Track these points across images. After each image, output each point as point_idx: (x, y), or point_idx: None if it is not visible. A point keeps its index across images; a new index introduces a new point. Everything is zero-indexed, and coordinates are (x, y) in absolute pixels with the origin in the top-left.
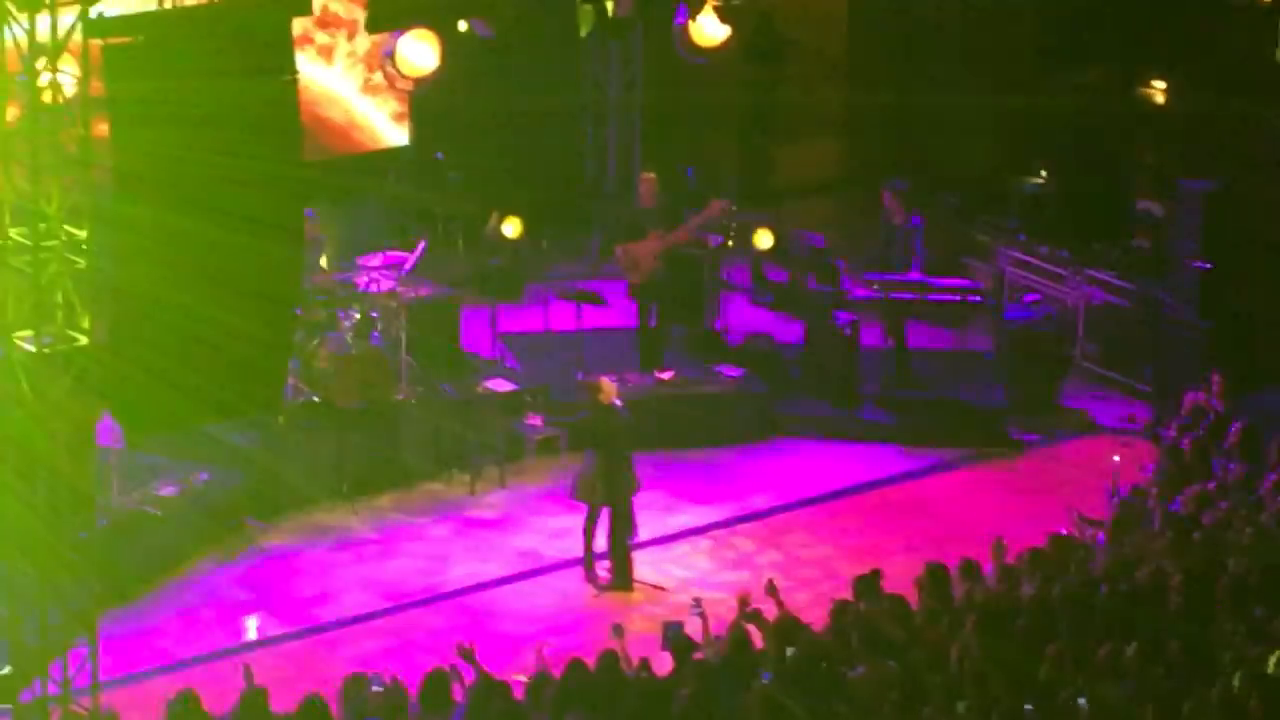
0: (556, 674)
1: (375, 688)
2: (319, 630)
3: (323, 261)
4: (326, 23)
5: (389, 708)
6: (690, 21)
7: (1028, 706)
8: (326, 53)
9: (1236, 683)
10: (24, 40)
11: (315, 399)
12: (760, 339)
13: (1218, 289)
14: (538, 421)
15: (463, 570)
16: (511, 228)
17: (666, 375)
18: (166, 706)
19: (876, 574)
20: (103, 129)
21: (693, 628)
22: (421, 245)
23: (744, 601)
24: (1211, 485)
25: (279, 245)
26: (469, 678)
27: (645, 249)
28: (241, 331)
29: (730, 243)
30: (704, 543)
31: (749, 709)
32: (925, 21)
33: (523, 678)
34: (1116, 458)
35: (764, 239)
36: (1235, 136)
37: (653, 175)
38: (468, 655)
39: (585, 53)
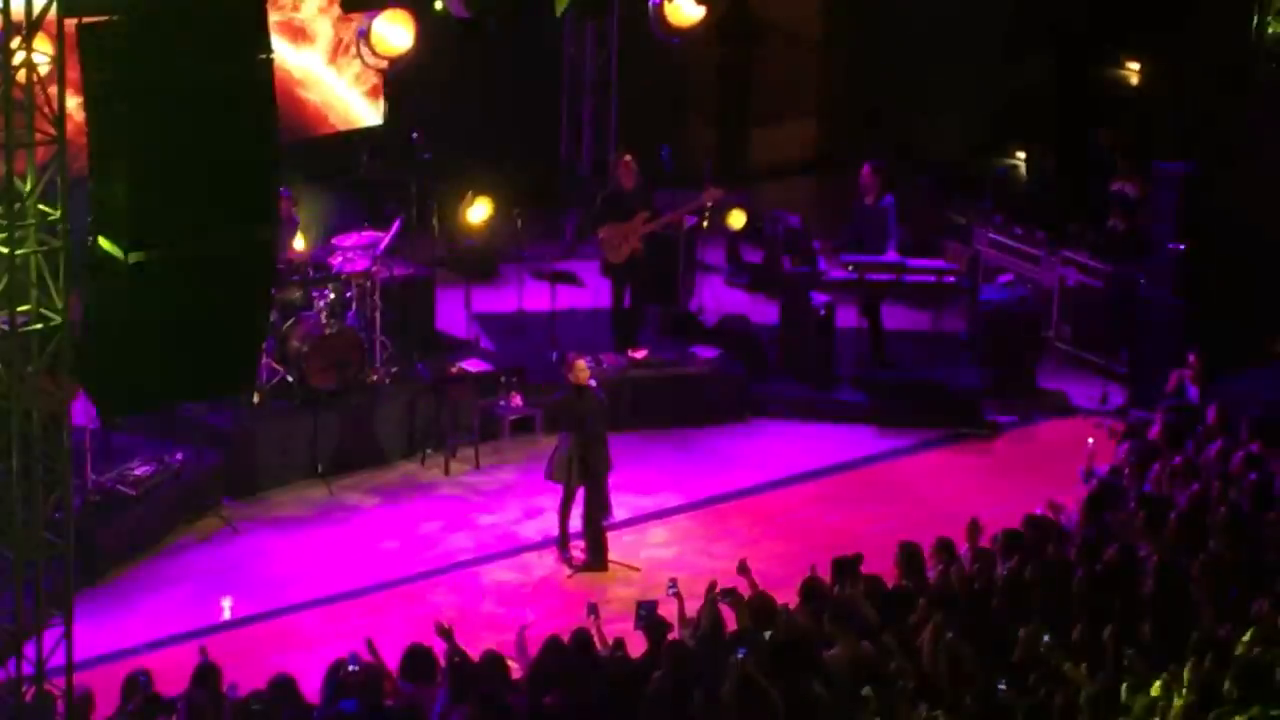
0: (533, 653)
1: (352, 667)
2: (294, 610)
3: (298, 242)
4: (301, 2)
5: (367, 686)
6: (666, 2)
7: (1001, 686)
8: (301, 32)
9: (1208, 663)
10: None
11: (290, 379)
12: (736, 320)
13: (1193, 270)
14: (513, 402)
15: (438, 550)
16: (481, 209)
17: (640, 354)
18: (123, 688)
19: (857, 558)
20: (78, 107)
21: (668, 608)
22: (396, 225)
23: (712, 586)
24: (1177, 462)
25: (253, 223)
26: (444, 659)
27: (630, 230)
28: (216, 310)
29: (705, 224)
30: (679, 523)
31: (724, 684)
32: (900, 2)
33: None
34: (1090, 440)
35: (739, 220)
36: (1211, 117)
37: (630, 156)
38: (446, 634)
39: (561, 33)
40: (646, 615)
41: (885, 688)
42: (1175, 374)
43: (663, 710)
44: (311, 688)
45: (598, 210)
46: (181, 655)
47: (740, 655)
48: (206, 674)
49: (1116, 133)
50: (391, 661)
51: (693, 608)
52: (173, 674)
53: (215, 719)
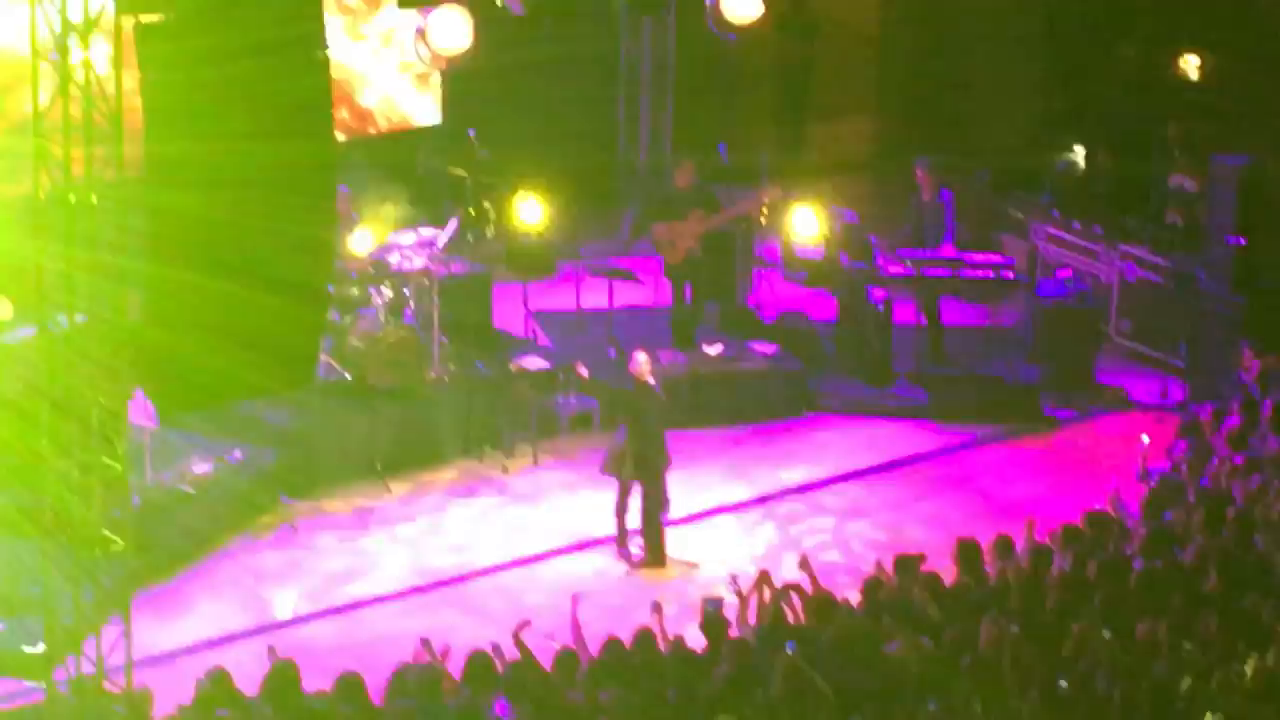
0: (593, 652)
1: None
2: (353, 608)
3: (363, 240)
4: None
5: (426, 687)
6: None
7: (1062, 683)
8: (359, 30)
9: (1271, 660)
10: (56, 18)
11: (348, 377)
12: (794, 316)
13: (1252, 264)
14: (572, 394)
15: (496, 548)
16: (537, 207)
17: (714, 350)
18: (196, 685)
19: (919, 557)
20: (135, 106)
21: (729, 605)
22: (454, 223)
23: (763, 577)
24: (1239, 460)
25: (312, 222)
26: (510, 656)
27: (686, 229)
28: (274, 309)
29: (763, 220)
30: (737, 519)
31: (774, 678)
32: None
33: (555, 644)
34: (1145, 437)
35: (798, 216)
36: (1271, 110)
37: (691, 163)
38: (516, 632)
39: (618, 29)
40: (712, 612)
41: (945, 686)
42: (1254, 364)
43: (723, 707)
44: (371, 686)
45: (653, 209)
46: (241, 654)
47: (790, 649)
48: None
49: (1175, 124)
50: (452, 663)
51: (755, 604)
52: (233, 672)
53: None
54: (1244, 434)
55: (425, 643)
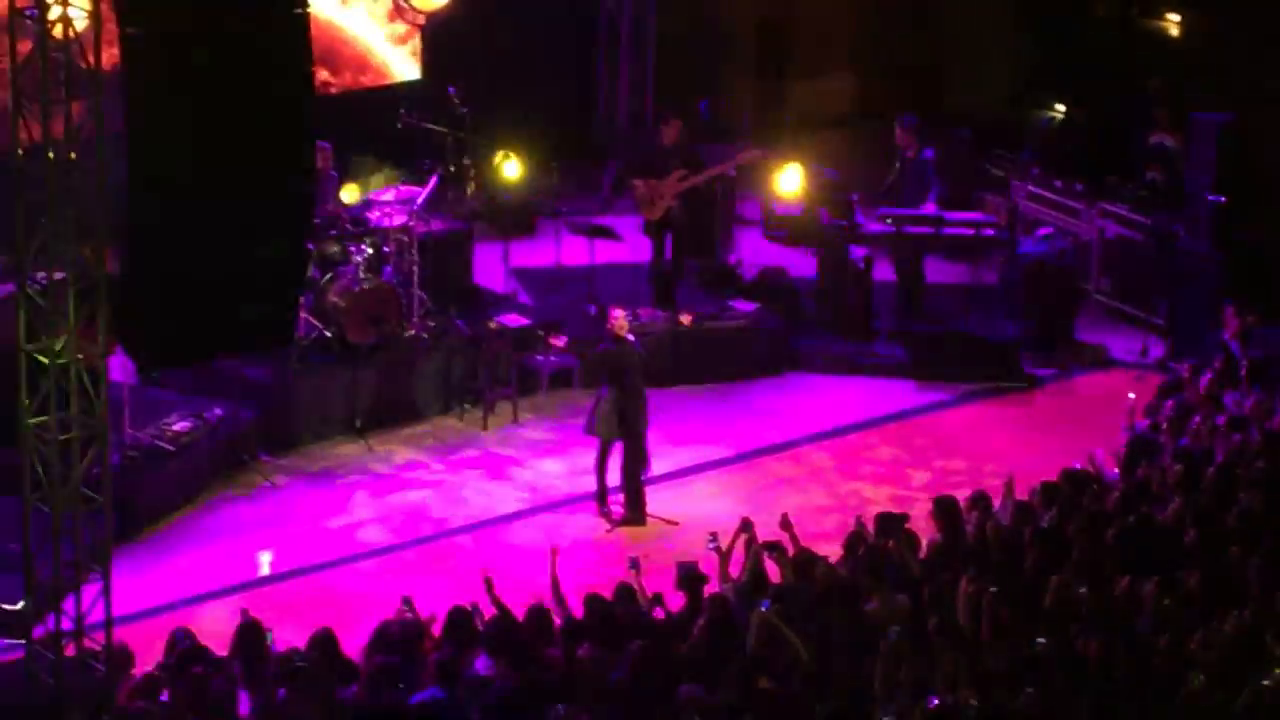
0: (573, 608)
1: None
2: (332, 565)
3: (345, 195)
4: None
5: (407, 642)
6: None
7: (1040, 640)
8: None
9: (1250, 616)
10: None
11: (328, 334)
12: (774, 273)
13: (1232, 222)
14: (552, 354)
15: (476, 505)
16: (515, 165)
17: (686, 319)
18: (168, 641)
19: (903, 516)
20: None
21: (707, 563)
22: (433, 180)
23: (746, 525)
24: (1220, 418)
25: (291, 178)
26: (488, 612)
27: (666, 187)
28: (253, 265)
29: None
30: (718, 477)
31: (749, 635)
32: None
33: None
34: (1132, 394)
35: (779, 174)
36: (1250, 68)
37: (679, 120)
38: (488, 585)
39: None
40: (686, 575)
41: (920, 639)
42: (1233, 322)
43: (702, 661)
44: (349, 643)
45: (634, 164)
46: (220, 610)
47: (764, 608)
48: (250, 633)
49: (1164, 82)
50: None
51: (737, 562)
52: (211, 629)
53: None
54: (1224, 391)
55: (407, 601)
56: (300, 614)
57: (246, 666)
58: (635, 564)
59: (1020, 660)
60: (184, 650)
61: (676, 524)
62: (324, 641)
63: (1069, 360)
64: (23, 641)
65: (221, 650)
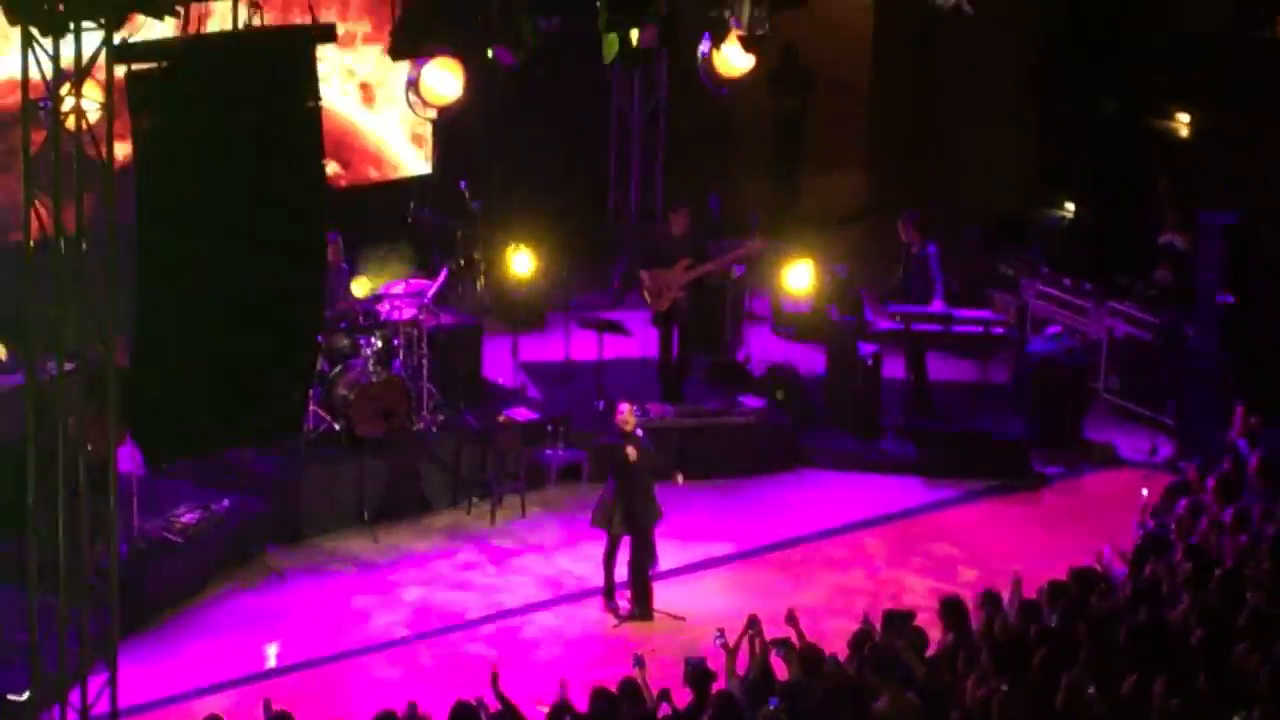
0: (578, 704)
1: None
2: (340, 658)
3: (357, 288)
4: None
5: None
6: (714, 51)
7: None
8: (351, 80)
9: (1258, 717)
10: (48, 65)
11: (336, 427)
12: (783, 369)
13: (1241, 321)
14: (559, 450)
15: (483, 599)
16: (526, 259)
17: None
18: None
19: (910, 614)
20: (126, 154)
21: (715, 660)
22: (444, 273)
23: (753, 622)
24: (1228, 517)
25: (301, 271)
26: (493, 707)
27: (673, 277)
28: (263, 357)
29: (733, 275)
30: (725, 573)
31: None
32: (949, 53)
33: (545, 708)
34: (1145, 491)
35: (788, 270)
36: (1258, 167)
37: (687, 209)
38: (493, 680)
39: (609, 82)
40: (694, 671)
41: None
42: (1238, 423)
43: None
44: None
45: (641, 256)
46: (227, 702)
47: (772, 706)
48: None
49: (1171, 182)
50: (437, 712)
51: (744, 658)
52: None
53: None
54: (1232, 491)
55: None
56: (308, 707)
57: None
58: (640, 660)
59: None
60: None
61: (683, 619)
62: None
63: (1077, 459)
64: None
65: None
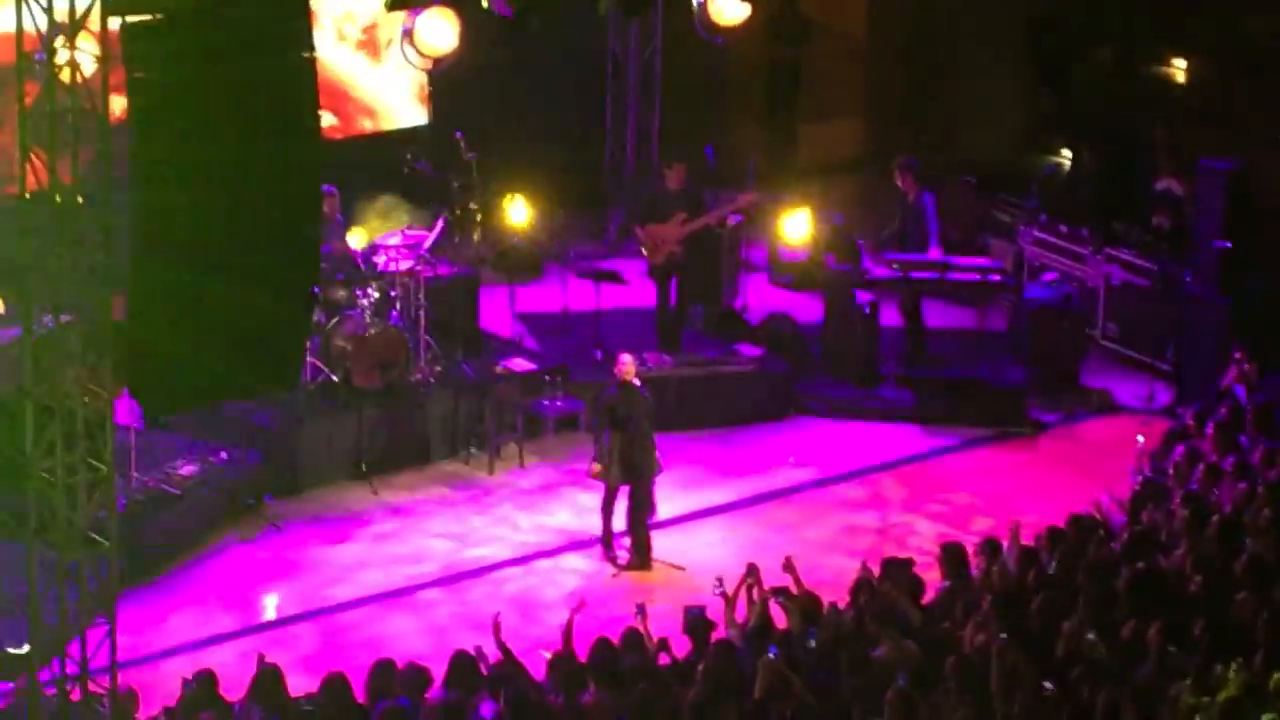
0: (579, 653)
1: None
2: (339, 609)
3: (354, 239)
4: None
5: (412, 687)
6: (710, 0)
7: (1047, 685)
8: (346, 31)
9: (1258, 665)
10: (43, 19)
11: (334, 378)
12: (780, 318)
13: (1238, 267)
14: (556, 400)
15: (481, 549)
16: (523, 209)
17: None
18: (183, 687)
19: (908, 561)
20: (122, 106)
21: (714, 607)
22: (440, 224)
23: (751, 571)
24: (1226, 464)
25: (297, 222)
26: (493, 657)
27: (668, 231)
28: (260, 310)
29: (726, 226)
30: (723, 522)
31: (756, 682)
32: (945, 1)
33: (547, 654)
34: (1141, 438)
35: (785, 219)
36: (1254, 114)
37: (683, 165)
38: (495, 629)
39: (604, 31)
40: (693, 620)
41: (929, 687)
42: (1237, 368)
43: (706, 708)
44: (356, 686)
45: (637, 210)
46: (225, 653)
47: (772, 654)
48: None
49: (1169, 129)
50: (437, 662)
51: (743, 606)
52: (219, 673)
53: None
54: (1230, 438)
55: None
56: (308, 659)
57: (265, 713)
58: (641, 610)
59: (1032, 709)
60: (199, 694)
61: (682, 569)
62: (337, 687)
63: (1075, 406)
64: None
65: (230, 695)
